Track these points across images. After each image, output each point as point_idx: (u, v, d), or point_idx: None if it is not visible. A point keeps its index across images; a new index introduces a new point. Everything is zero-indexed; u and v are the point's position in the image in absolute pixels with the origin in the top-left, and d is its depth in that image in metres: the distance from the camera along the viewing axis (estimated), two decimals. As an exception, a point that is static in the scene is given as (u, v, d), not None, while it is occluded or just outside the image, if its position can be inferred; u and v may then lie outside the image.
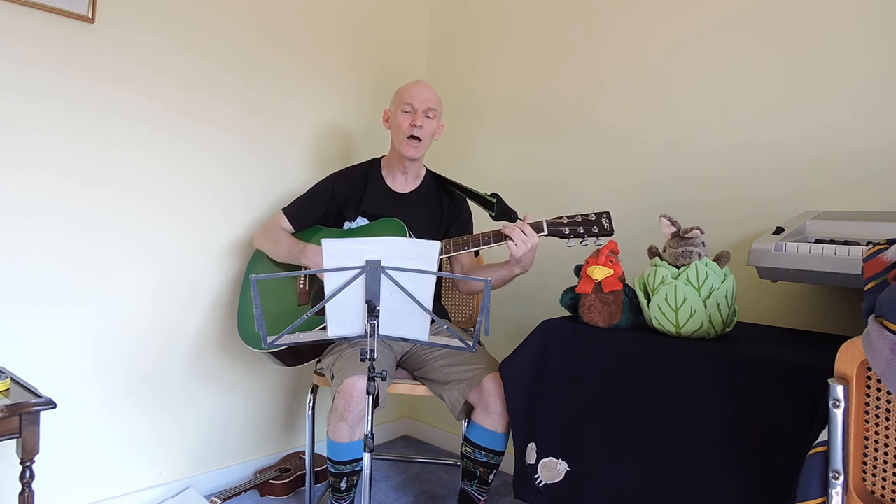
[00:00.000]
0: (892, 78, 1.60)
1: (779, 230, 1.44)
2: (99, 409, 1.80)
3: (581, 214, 1.68)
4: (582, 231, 1.66)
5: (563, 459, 1.44)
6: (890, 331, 0.84)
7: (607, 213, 1.67)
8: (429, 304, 1.25)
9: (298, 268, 1.88)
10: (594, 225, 1.66)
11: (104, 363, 1.80)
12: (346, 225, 1.93)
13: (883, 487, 0.93)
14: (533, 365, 1.53)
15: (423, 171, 2.01)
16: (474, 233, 1.89)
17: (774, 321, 1.76)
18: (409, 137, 1.84)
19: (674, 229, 1.45)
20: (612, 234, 1.65)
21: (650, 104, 2.05)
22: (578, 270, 1.57)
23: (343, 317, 1.28)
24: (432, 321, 1.27)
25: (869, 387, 0.93)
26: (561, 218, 1.69)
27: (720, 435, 1.22)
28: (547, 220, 1.69)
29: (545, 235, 1.68)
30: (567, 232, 1.67)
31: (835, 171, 1.68)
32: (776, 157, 1.78)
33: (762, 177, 1.80)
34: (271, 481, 2.07)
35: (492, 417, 1.65)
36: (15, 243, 1.60)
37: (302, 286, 1.87)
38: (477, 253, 2.07)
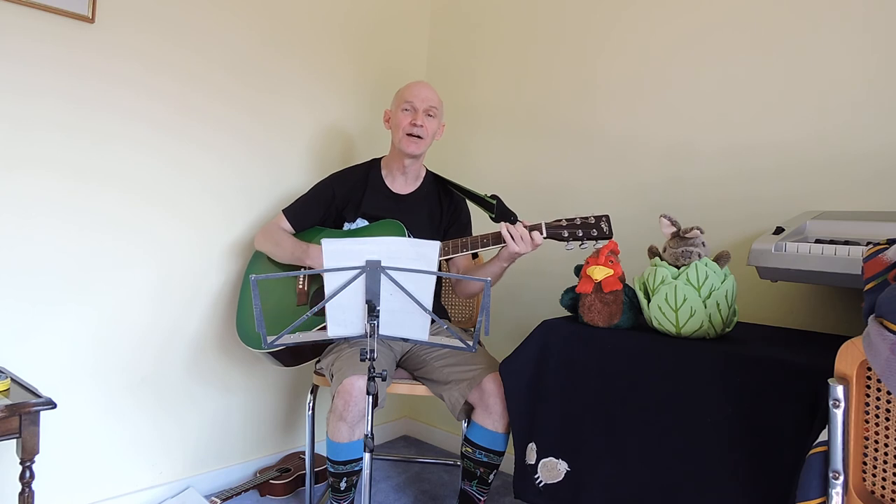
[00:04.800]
0: (891, 80, 1.60)
1: (779, 230, 1.44)
2: (99, 409, 1.80)
3: (580, 217, 1.67)
4: (581, 234, 1.66)
5: (562, 459, 1.44)
6: (890, 331, 0.84)
7: (606, 217, 1.66)
8: (429, 304, 1.25)
9: (297, 268, 1.88)
10: (593, 228, 1.66)
11: (104, 363, 1.80)
12: (346, 226, 1.93)
13: (883, 487, 0.93)
14: (533, 365, 1.53)
15: (423, 172, 2.01)
16: (473, 234, 1.89)
17: (774, 321, 1.76)
18: (408, 134, 1.84)
19: (674, 229, 1.45)
20: (610, 238, 1.65)
21: (650, 106, 2.05)
22: (578, 270, 1.57)
23: (343, 317, 1.28)
24: (432, 321, 1.27)
25: (869, 387, 0.93)
26: (560, 221, 1.68)
27: (720, 435, 1.22)
28: (546, 223, 1.69)
29: (544, 238, 1.68)
30: (566, 235, 1.67)
31: (835, 172, 1.68)
32: (776, 158, 1.78)
33: (762, 177, 1.81)
34: (271, 481, 2.07)
35: (492, 417, 1.65)
36: (15, 243, 1.60)
37: (301, 286, 1.87)
38: (475, 254, 2.07)
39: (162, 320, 1.92)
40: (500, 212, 1.84)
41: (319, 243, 1.81)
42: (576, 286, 1.53)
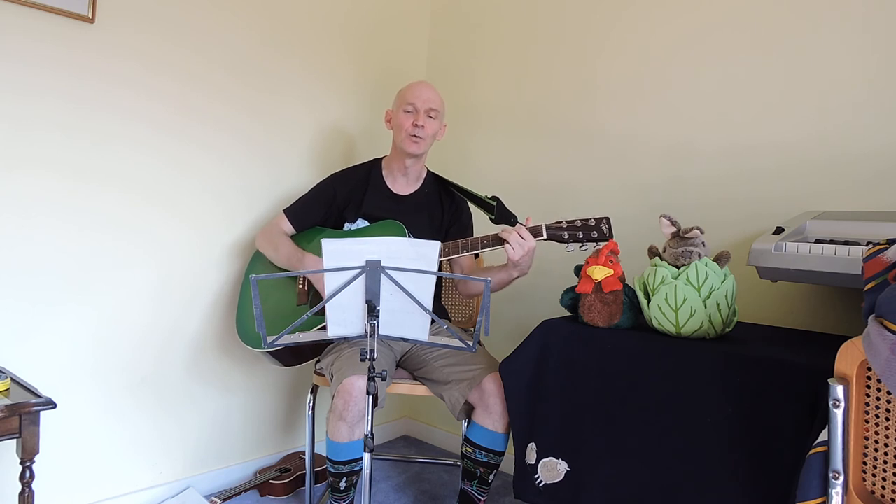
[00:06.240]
0: (891, 80, 1.60)
1: (779, 230, 1.44)
2: (99, 409, 1.80)
3: (581, 219, 1.68)
4: (581, 236, 1.66)
5: (562, 459, 1.44)
6: (890, 331, 0.84)
7: (607, 219, 1.67)
8: (429, 304, 1.25)
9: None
10: (593, 230, 1.66)
11: (104, 363, 1.80)
12: (347, 226, 1.93)
13: (883, 487, 0.93)
14: (533, 365, 1.53)
15: (424, 173, 2.01)
16: (474, 235, 1.89)
17: (774, 321, 1.76)
18: (410, 135, 1.84)
19: (674, 229, 1.45)
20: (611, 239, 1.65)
21: (650, 106, 2.05)
22: (578, 270, 1.57)
23: (343, 317, 1.28)
24: (432, 321, 1.27)
25: (869, 387, 0.93)
26: (560, 223, 1.69)
27: (720, 435, 1.22)
28: (546, 225, 1.69)
29: (544, 240, 1.68)
30: (566, 237, 1.67)
31: (835, 172, 1.68)
32: (777, 158, 1.78)
33: (762, 177, 1.81)
34: (271, 481, 2.07)
35: (492, 417, 1.65)
36: (15, 243, 1.60)
37: (301, 286, 1.87)
38: (477, 255, 2.07)
39: (162, 320, 1.92)
40: (501, 213, 1.84)
41: (319, 245, 1.81)
42: (576, 286, 1.53)
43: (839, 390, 0.94)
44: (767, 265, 1.36)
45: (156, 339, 1.91)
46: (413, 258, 1.23)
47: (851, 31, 1.66)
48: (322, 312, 1.28)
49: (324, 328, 1.32)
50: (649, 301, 1.41)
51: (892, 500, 0.92)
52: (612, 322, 1.46)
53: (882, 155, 1.61)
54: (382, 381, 1.49)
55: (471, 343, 1.28)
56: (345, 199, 1.94)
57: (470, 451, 1.69)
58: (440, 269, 1.91)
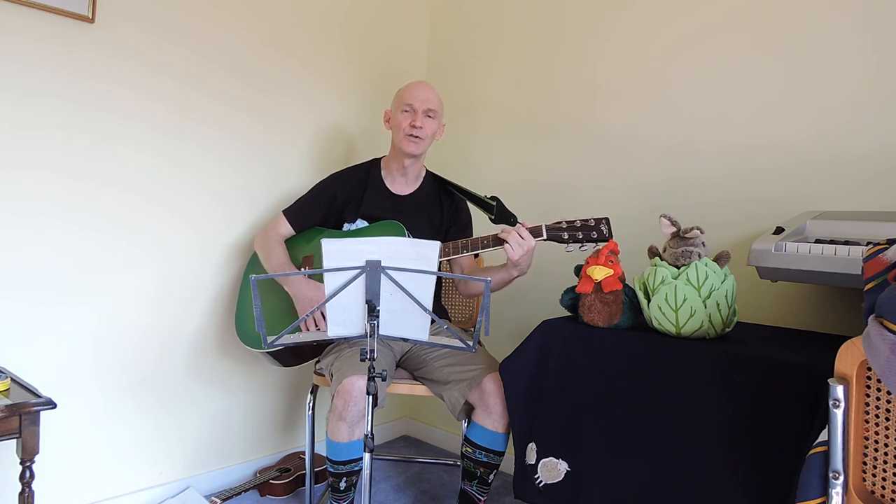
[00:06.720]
0: (891, 80, 1.60)
1: (779, 230, 1.44)
2: (99, 409, 1.79)
3: (580, 220, 1.68)
4: (581, 236, 1.66)
5: (562, 459, 1.44)
6: (890, 331, 0.84)
7: (606, 219, 1.67)
8: (429, 304, 1.25)
9: (297, 269, 1.88)
10: (593, 230, 1.66)
11: (104, 363, 1.80)
12: (346, 227, 1.93)
13: (883, 487, 0.93)
14: (533, 365, 1.53)
15: (423, 173, 2.01)
16: (474, 235, 1.89)
17: (774, 321, 1.76)
18: (408, 135, 1.84)
19: (674, 229, 1.45)
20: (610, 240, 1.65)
21: (650, 106, 2.05)
22: (578, 270, 1.57)
23: (343, 317, 1.28)
24: (432, 321, 1.27)
25: (869, 387, 0.93)
26: (560, 223, 1.69)
27: (720, 435, 1.22)
28: (546, 225, 1.69)
29: (544, 240, 1.69)
30: (566, 237, 1.67)
31: (835, 172, 1.68)
32: (777, 158, 1.78)
33: (762, 177, 1.81)
34: (271, 481, 2.07)
35: (492, 417, 1.65)
36: (15, 243, 1.60)
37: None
38: (477, 255, 2.07)
39: (162, 320, 1.92)
40: (500, 213, 1.84)
41: (318, 246, 1.81)
42: (576, 286, 1.53)
43: (839, 390, 0.94)
44: (767, 265, 1.36)
45: (156, 339, 1.91)
46: (413, 258, 1.23)
47: (851, 31, 1.66)
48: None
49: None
50: (649, 301, 1.41)
51: (892, 500, 0.92)
52: (612, 322, 1.46)
53: (882, 155, 1.61)
54: (382, 381, 1.49)
55: (471, 343, 1.28)
56: (344, 199, 1.93)
57: (470, 451, 1.69)
58: (440, 270, 1.91)
